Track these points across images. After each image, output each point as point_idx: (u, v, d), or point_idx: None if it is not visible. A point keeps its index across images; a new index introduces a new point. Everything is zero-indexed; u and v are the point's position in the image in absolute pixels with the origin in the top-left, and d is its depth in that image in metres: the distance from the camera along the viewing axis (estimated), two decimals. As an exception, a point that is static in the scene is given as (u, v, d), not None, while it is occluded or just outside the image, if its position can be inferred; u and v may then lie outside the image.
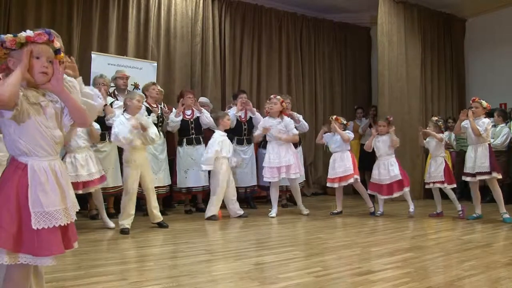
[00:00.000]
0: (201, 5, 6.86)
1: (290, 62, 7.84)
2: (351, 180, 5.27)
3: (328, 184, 5.48)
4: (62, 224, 1.74)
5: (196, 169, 5.30)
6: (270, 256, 3.20)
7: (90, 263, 2.99)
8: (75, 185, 4.06)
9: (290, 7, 7.89)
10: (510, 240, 3.91)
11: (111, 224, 4.27)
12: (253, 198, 6.06)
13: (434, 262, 3.06)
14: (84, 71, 5.66)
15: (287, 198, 6.30)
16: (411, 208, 5.16)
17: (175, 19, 6.62)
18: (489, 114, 6.69)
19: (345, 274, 2.74)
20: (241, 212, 5.10)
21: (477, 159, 4.78)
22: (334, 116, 5.54)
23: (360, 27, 8.86)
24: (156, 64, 6.12)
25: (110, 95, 5.17)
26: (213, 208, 4.92)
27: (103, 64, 5.54)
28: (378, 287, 2.48)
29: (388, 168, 5.24)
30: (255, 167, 5.85)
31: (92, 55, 5.54)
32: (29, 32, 1.76)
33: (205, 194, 5.56)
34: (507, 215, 4.78)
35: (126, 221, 4.13)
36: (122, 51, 6.14)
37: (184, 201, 5.62)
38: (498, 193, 4.83)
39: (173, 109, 5.49)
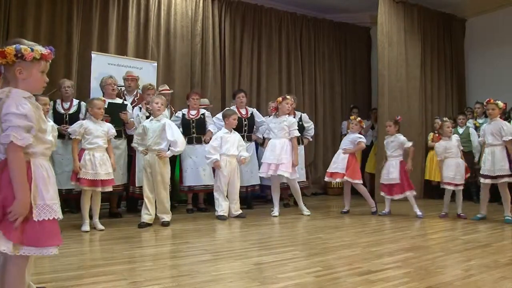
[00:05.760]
0: (201, 5, 6.86)
1: (290, 62, 7.84)
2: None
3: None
4: (60, 218, 1.89)
5: (195, 168, 5.38)
6: (270, 256, 3.20)
7: (90, 263, 2.99)
8: (94, 183, 4.12)
9: (290, 7, 7.89)
10: (510, 240, 3.92)
11: (100, 226, 4.24)
12: (252, 198, 6.05)
13: (434, 262, 3.05)
14: (84, 71, 5.69)
15: (289, 197, 6.27)
16: (418, 212, 5.18)
17: (175, 19, 6.62)
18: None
19: (345, 274, 2.74)
20: (239, 212, 5.10)
21: (497, 162, 4.72)
22: (359, 119, 5.66)
23: (360, 27, 8.85)
24: (156, 64, 6.13)
25: (118, 95, 5.19)
26: (220, 207, 4.96)
27: (103, 64, 5.54)
28: (378, 287, 2.48)
29: (389, 170, 5.29)
30: (256, 166, 5.85)
31: (92, 55, 5.54)
32: (43, 49, 1.92)
33: (206, 193, 5.61)
34: (509, 217, 4.79)
35: (143, 215, 4.41)
36: (122, 51, 6.13)
37: (186, 201, 5.63)
38: (507, 196, 4.84)
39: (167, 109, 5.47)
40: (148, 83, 5.40)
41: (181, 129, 5.21)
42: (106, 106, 4.54)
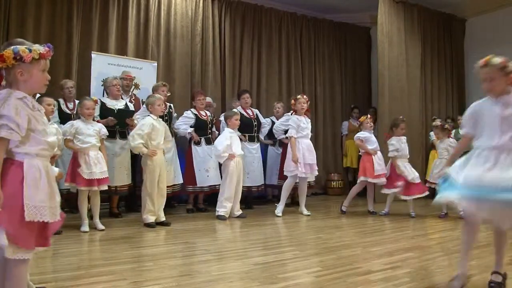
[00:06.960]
0: (201, 5, 6.86)
1: (290, 62, 7.84)
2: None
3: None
4: (49, 221, 1.86)
5: (216, 167, 5.38)
6: (270, 256, 3.20)
7: (90, 263, 3.00)
8: (90, 182, 4.10)
9: (290, 7, 7.89)
10: (510, 240, 3.91)
11: (101, 226, 4.23)
12: (252, 198, 6.04)
13: (434, 262, 3.06)
14: (84, 71, 5.69)
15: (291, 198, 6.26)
16: (412, 213, 5.21)
17: (175, 19, 6.62)
18: None
19: (345, 274, 2.74)
20: (239, 212, 5.10)
21: None
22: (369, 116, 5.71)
23: (360, 27, 8.85)
24: (156, 64, 6.12)
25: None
26: (223, 208, 4.94)
27: (103, 64, 5.54)
28: (378, 287, 2.49)
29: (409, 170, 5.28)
30: (262, 166, 5.87)
31: (92, 55, 5.53)
32: (41, 48, 1.92)
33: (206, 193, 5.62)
34: None
35: (149, 216, 4.40)
36: (122, 51, 6.13)
37: (187, 200, 5.62)
38: None
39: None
40: (160, 82, 5.44)
41: (193, 128, 5.32)
42: (115, 112, 4.67)
